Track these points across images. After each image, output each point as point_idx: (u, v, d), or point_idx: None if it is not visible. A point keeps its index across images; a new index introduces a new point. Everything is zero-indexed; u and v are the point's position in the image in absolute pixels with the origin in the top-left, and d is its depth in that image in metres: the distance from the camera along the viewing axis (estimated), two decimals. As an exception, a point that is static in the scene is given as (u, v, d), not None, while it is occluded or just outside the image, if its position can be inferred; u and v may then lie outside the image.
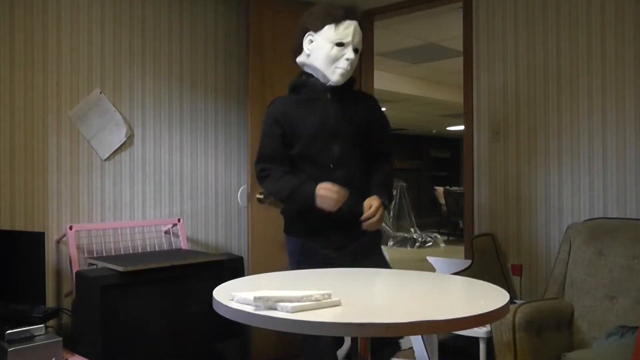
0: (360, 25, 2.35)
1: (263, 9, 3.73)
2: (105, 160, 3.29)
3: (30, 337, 2.47)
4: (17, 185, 2.99)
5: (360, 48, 2.34)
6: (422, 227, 11.41)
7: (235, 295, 1.52)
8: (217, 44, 3.79)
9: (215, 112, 3.77)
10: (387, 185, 2.43)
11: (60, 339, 2.54)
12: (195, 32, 3.68)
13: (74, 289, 2.92)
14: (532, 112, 3.31)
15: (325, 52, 2.27)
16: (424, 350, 2.99)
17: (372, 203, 2.26)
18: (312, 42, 2.31)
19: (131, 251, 3.36)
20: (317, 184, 2.23)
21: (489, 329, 2.73)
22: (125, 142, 3.37)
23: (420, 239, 10.39)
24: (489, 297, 1.65)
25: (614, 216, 2.97)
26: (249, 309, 1.43)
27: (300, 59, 2.39)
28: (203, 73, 3.71)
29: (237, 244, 3.87)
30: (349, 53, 2.28)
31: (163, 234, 3.52)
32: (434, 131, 14.83)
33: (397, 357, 2.99)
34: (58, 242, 3.13)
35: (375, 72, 4.30)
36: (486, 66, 3.48)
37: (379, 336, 2.02)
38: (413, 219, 11.12)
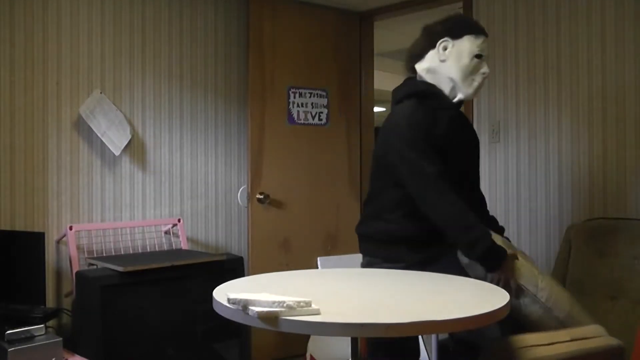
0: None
1: (263, 9, 3.73)
2: (107, 160, 3.29)
3: (30, 337, 2.47)
4: (17, 185, 2.99)
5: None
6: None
7: (229, 296, 1.53)
8: (217, 44, 3.78)
9: (215, 112, 3.77)
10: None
11: (60, 339, 2.53)
12: (195, 32, 3.68)
13: (74, 289, 2.93)
14: (532, 112, 3.31)
15: (464, 62, 2.17)
16: (424, 350, 2.98)
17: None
18: (446, 49, 2.19)
19: (131, 251, 3.36)
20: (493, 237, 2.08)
21: (489, 329, 2.72)
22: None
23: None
24: (488, 297, 1.65)
25: (614, 216, 2.97)
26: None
27: (425, 65, 2.24)
28: (203, 73, 3.71)
29: (237, 244, 3.86)
30: (485, 67, 2.20)
31: (163, 234, 3.52)
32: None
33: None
34: (58, 242, 3.13)
35: (375, 72, 4.30)
36: (486, 66, 3.48)
37: (378, 336, 2.02)
38: (413, 219, 11.07)
